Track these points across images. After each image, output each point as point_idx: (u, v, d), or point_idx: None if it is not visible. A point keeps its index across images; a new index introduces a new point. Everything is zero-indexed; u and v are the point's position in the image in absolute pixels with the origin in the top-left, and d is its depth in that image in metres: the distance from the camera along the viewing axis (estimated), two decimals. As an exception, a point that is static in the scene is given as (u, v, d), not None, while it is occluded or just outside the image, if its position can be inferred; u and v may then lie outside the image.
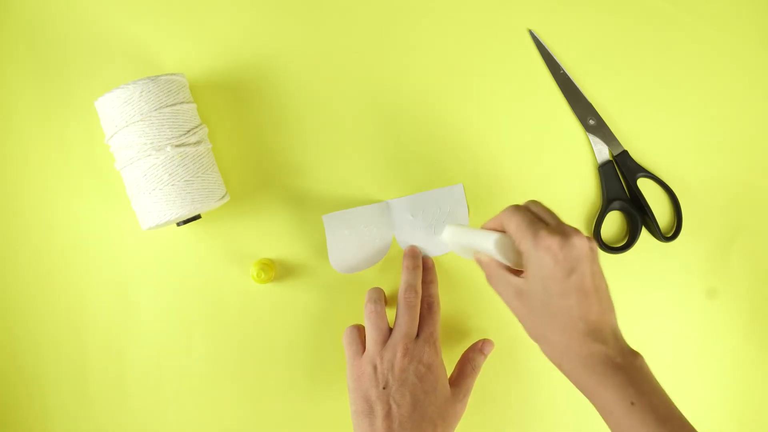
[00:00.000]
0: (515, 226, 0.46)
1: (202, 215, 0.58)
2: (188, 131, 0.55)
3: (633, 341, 0.62)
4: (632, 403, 0.41)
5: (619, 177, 0.61)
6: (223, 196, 0.57)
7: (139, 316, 0.60)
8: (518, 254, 0.47)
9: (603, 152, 0.61)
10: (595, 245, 0.45)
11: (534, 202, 0.49)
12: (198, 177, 0.55)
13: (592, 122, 0.61)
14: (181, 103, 0.55)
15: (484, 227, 0.51)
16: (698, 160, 0.63)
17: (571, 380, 0.45)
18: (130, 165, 0.54)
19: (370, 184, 0.61)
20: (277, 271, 0.60)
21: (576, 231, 0.45)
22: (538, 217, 0.47)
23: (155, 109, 0.53)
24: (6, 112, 0.60)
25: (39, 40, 0.60)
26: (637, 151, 0.62)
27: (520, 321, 0.47)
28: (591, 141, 0.61)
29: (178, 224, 0.57)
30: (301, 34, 0.62)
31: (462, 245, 0.53)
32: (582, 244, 0.44)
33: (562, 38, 0.63)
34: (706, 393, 0.63)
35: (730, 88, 0.63)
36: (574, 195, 0.62)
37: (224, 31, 0.61)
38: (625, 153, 0.61)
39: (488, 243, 0.48)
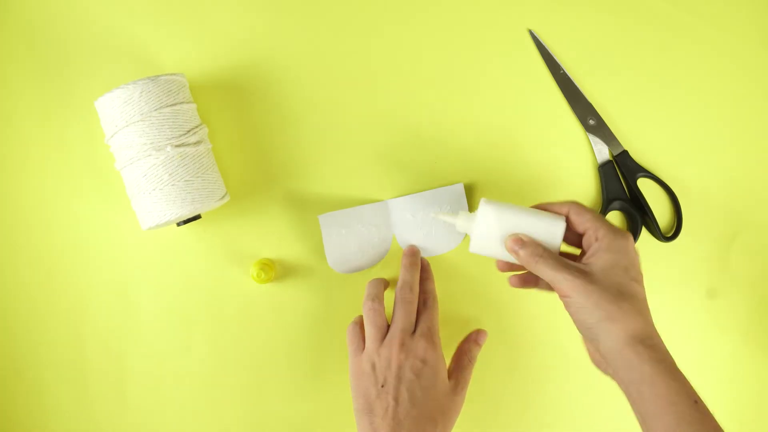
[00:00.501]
0: (593, 214, 0.49)
1: (202, 215, 0.58)
2: (188, 131, 0.55)
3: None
4: (696, 402, 0.43)
5: (619, 177, 0.61)
6: (223, 196, 0.57)
7: (139, 316, 0.60)
8: (559, 244, 0.50)
9: (603, 152, 0.61)
10: None
11: None
12: (198, 177, 0.55)
13: (592, 122, 0.61)
14: (181, 103, 0.55)
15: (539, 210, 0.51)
16: (698, 160, 0.63)
17: (623, 367, 0.44)
18: (130, 165, 0.54)
19: (370, 184, 0.61)
20: (277, 271, 0.60)
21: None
22: None
23: (155, 109, 0.53)
24: (6, 112, 0.60)
25: (39, 40, 0.60)
26: (637, 151, 0.62)
27: (573, 304, 0.46)
28: (591, 141, 0.61)
29: (178, 224, 0.57)
30: (300, 34, 0.62)
31: (509, 223, 0.50)
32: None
33: (562, 38, 0.63)
34: (706, 393, 0.62)
35: (730, 88, 0.63)
36: (574, 195, 0.62)
37: (224, 31, 0.61)
38: (625, 153, 0.61)
39: (556, 224, 0.49)
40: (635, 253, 0.47)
